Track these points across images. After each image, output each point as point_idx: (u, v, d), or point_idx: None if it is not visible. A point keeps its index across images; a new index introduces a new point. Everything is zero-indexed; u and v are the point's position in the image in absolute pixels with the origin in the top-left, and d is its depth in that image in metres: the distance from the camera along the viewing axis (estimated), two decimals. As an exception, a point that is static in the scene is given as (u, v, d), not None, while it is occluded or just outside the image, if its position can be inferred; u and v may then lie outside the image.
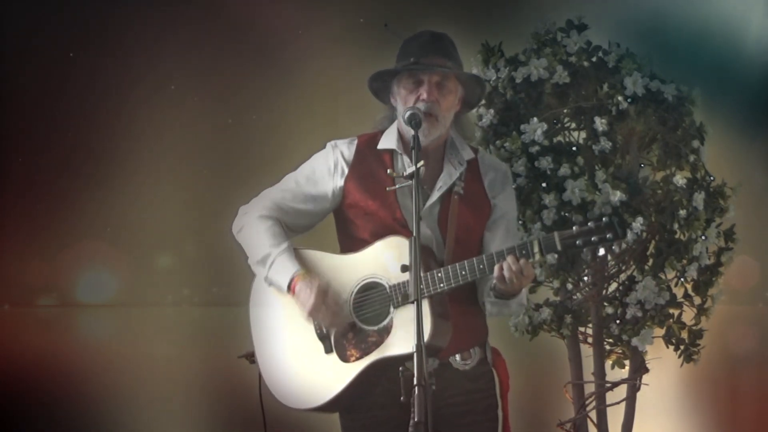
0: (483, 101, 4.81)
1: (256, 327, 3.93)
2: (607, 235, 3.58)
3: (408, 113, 3.71)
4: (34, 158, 5.83)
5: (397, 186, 3.76)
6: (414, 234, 3.43)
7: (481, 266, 3.65)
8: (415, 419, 3.19)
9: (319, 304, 3.73)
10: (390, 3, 5.72)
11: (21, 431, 5.65)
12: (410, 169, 3.55)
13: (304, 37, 5.80)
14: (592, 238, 3.58)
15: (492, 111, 4.80)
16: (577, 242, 3.59)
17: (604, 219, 3.59)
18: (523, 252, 3.60)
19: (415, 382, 3.23)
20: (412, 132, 3.69)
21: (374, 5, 5.73)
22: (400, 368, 3.66)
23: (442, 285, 3.66)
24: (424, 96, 3.78)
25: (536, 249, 3.60)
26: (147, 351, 5.75)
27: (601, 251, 4.81)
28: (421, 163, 3.56)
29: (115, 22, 5.77)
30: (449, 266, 3.67)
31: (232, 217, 4.01)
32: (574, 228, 3.61)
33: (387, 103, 3.95)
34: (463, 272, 3.66)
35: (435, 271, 3.67)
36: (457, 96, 3.88)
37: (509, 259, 3.60)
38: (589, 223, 3.60)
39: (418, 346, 3.27)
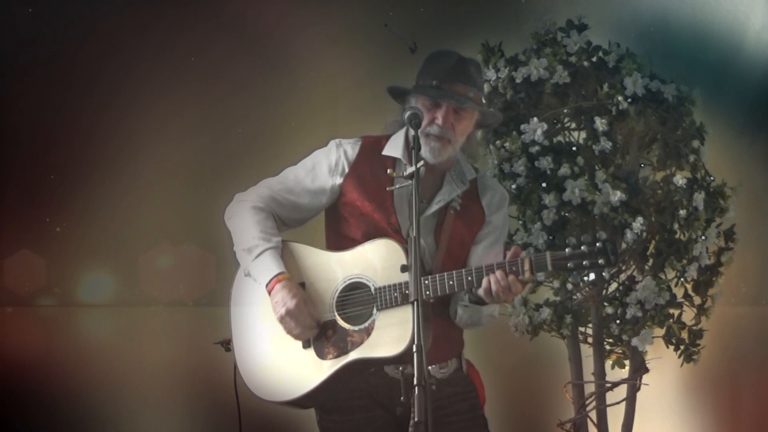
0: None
1: (236, 320, 3.91)
2: (599, 261, 3.57)
3: (408, 113, 3.65)
4: (35, 160, 5.82)
5: (396, 186, 3.76)
6: (414, 234, 3.42)
7: (470, 278, 3.63)
8: (415, 419, 3.19)
9: (297, 312, 3.71)
10: (390, 4, 5.72)
11: (21, 431, 5.65)
12: (410, 170, 3.53)
13: (305, 38, 5.80)
14: (584, 262, 3.58)
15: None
16: (569, 264, 3.59)
17: (597, 244, 3.58)
18: (513, 268, 3.59)
19: (415, 382, 3.22)
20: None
21: (374, 6, 5.72)
22: (400, 368, 3.66)
23: (428, 293, 3.66)
24: (439, 121, 3.76)
25: (527, 267, 3.58)
26: (147, 351, 5.75)
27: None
28: (421, 162, 3.53)
29: (116, 26, 5.77)
30: (437, 275, 3.66)
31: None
32: (566, 250, 3.59)
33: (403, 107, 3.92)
34: (450, 282, 3.64)
35: (422, 278, 3.64)
36: (473, 121, 3.85)
37: (498, 273, 3.59)
38: (582, 246, 3.59)
39: (418, 346, 3.26)
